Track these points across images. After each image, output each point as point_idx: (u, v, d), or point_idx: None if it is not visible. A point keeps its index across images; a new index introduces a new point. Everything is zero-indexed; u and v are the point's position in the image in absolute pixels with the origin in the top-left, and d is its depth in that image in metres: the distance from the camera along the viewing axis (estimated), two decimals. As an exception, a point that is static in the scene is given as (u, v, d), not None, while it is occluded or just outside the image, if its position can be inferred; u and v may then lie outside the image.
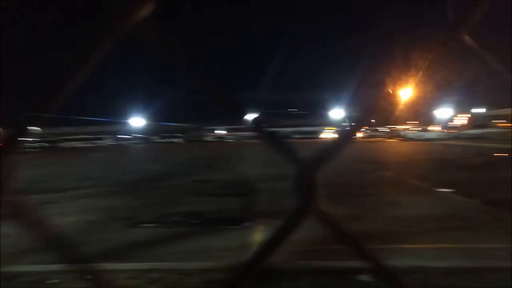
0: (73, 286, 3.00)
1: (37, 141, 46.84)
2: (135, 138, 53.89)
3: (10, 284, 3.06)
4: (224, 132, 49.48)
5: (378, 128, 43.21)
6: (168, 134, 52.81)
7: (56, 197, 7.82)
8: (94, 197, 7.36)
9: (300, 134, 44.28)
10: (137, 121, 56.13)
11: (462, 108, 41.01)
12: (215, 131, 50.09)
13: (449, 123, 38.71)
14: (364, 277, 2.92)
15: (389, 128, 42.74)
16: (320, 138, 42.38)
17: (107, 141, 49.93)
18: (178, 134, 52.29)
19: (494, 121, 34.12)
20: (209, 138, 49.44)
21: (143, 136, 54.66)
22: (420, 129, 36.59)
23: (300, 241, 4.30)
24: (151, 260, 3.51)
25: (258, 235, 4.57)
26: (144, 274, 3.14)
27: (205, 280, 3.05)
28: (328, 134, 43.14)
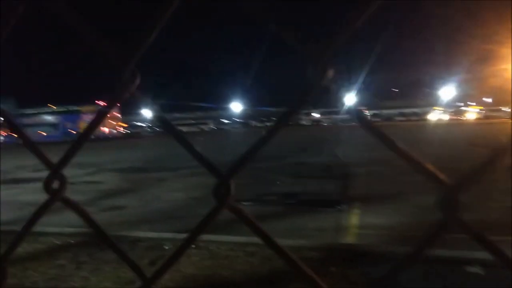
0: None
1: (150, 126, 52.40)
2: (235, 122, 56.55)
3: (132, 246, 3.58)
4: (319, 115, 48.84)
5: (501, 108, 37.84)
6: (265, 119, 54.26)
7: (168, 175, 8.77)
8: (200, 176, 8.02)
9: (403, 116, 41.34)
10: (237, 107, 58.75)
11: None
12: (311, 115, 49.73)
13: None
14: (473, 269, 2.71)
15: (512, 108, 37.22)
16: (427, 119, 38.89)
17: (210, 126, 53.40)
18: (275, 118, 53.19)
19: None
20: (305, 122, 49.39)
21: (242, 121, 57.09)
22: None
23: (405, 228, 4.11)
24: (248, 235, 3.74)
25: (353, 218, 4.51)
26: (242, 247, 3.38)
27: (299, 257, 3.15)
28: (437, 115, 39.34)
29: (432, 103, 42.82)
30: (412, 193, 5.18)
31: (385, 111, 44.42)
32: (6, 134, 34.54)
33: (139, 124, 55.28)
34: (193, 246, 3.54)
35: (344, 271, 2.82)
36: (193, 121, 55.53)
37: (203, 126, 53.05)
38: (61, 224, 3.86)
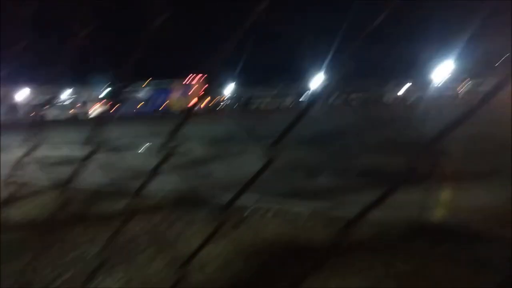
0: (261, 220, 3.54)
1: (231, 99, 54.08)
2: (314, 97, 55.49)
3: (217, 210, 3.83)
4: (405, 90, 45.62)
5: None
6: (345, 94, 52.37)
7: (251, 147, 9.07)
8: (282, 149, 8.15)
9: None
10: (316, 81, 57.48)
11: None
12: (396, 90, 46.69)
13: None
14: None
15: None
16: None
17: (292, 100, 53.31)
18: (355, 94, 51.20)
19: None
20: (388, 99, 46.59)
21: (322, 96, 55.80)
22: None
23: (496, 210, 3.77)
24: (330, 206, 3.75)
25: (441, 196, 4.23)
26: (323, 215, 3.41)
27: (380, 230, 3.08)
28: None
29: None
30: (509, 173, 4.67)
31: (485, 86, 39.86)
32: (106, 107, 38.54)
33: (223, 99, 57.43)
34: (270, 214, 3.68)
35: (430, 249, 2.70)
36: (274, 96, 55.94)
37: (284, 100, 53.19)
38: (152, 187, 4.27)
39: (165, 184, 4.36)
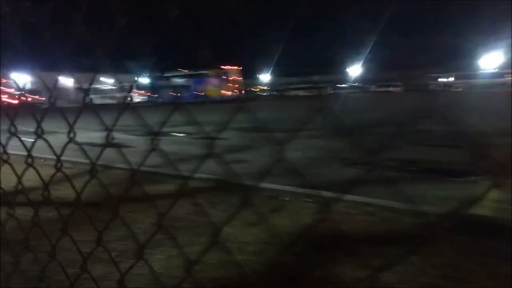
0: (297, 205, 3.59)
1: (267, 90, 54.04)
2: (352, 87, 54.41)
3: (255, 195, 3.93)
4: (451, 79, 43.35)
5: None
6: (385, 83, 50.73)
7: (285, 136, 9.09)
8: (315, 138, 8.13)
9: None
10: (355, 70, 56.16)
11: None
12: (439, 79, 44.53)
13: None
14: None
15: None
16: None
17: (327, 90, 52.43)
18: (396, 83, 49.45)
19: None
20: (434, 87, 44.53)
21: (360, 85, 54.51)
22: None
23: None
24: (368, 195, 3.73)
25: (485, 190, 4.07)
26: (361, 206, 3.41)
27: (419, 222, 3.05)
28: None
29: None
30: None
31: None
32: (148, 95, 39.89)
33: (257, 88, 57.56)
34: (310, 200, 3.72)
35: (474, 242, 2.64)
36: (309, 85, 55.20)
37: (320, 90, 52.36)
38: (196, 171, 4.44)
39: (207, 169, 4.51)
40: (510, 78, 34.78)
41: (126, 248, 2.81)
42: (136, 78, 42.35)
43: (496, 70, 37.71)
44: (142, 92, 42.37)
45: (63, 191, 4.47)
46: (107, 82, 45.06)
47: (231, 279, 2.30)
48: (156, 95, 37.85)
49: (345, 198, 3.61)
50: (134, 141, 8.45)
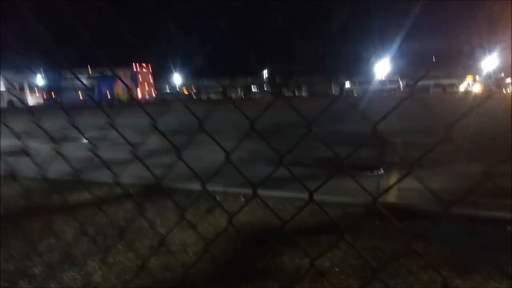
0: (231, 204, 3.69)
1: (180, 92, 52.96)
2: (263, 91, 56.20)
3: (187, 197, 3.92)
4: (349, 85, 47.77)
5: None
6: (294, 88, 53.64)
7: (206, 138, 9.12)
8: (237, 140, 8.33)
9: (440, 87, 39.84)
10: (265, 75, 58.08)
11: None
12: (343, 84, 48.69)
13: None
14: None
15: None
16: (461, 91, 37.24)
17: (239, 94, 53.43)
18: (304, 88, 52.64)
19: None
20: (335, 92, 48.53)
21: (271, 89, 56.61)
22: None
23: (442, 191, 4.24)
24: (296, 191, 3.99)
25: (392, 182, 4.66)
26: (290, 201, 3.64)
27: (344, 212, 3.38)
28: (469, 85, 37.39)
29: (471, 73, 40.65)
30: (448, 161, 5.25)
31: (420, 82, 42.99)
32: (46, 96, 36.05)
33: (169, 90, 56.16)
34: (242, 199, 3.84)
35: (388, 225, 3.03)
36: (221, 89, 55.79)
37: (232, 94, 53.24)
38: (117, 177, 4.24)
39: (128, 175, 4.34)
40: (397, 85, 39.62)
41: (50, 261, 2.59)
42: (31, 77, 38.03)
43: (383, 78, 42.74)
44: (37, 93, 38.13)
45: None
46: (-5, 81, 39.57)
47: (176, 280, 2.30)
48: (54, 97, 34.43)
49: (275, 195, 3.82)
50: (35, 149, 7.65)
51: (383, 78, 42.69)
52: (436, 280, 2.18)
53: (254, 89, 57.70)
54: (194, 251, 2.67)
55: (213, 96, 52.02)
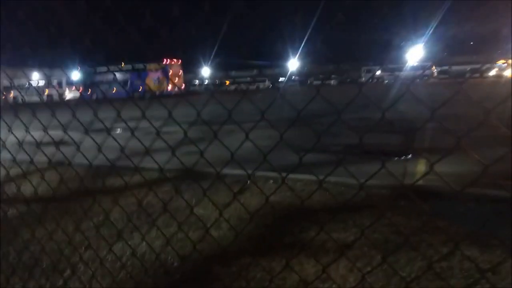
0: (261, 186, 3.90)
1: (205, 83, 53.82)
2: (292, 80, 55.97)
3: (218, 180, 4.17)
4: (378, 72, 46.62)
5: None
6: (322, 76, 53.01)
7: (234, 127, 9.38)
8: (263, 129, 8.53)
9: (476, 72, 38.17)
10: (294, 64, 57.76)
11: None
12: (372, 72, 47.64)
13: None
14: None
15: None
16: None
17: (266, 84, 53.50)
18: (333, 76, 51.95)
19: None
20: (364, 79, 47.57)
21: (300, 78, 56.37)
22: None
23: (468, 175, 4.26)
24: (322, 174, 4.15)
25: (418, 166, 4.73)
26: (316, 184, 3.82)
27: (370, 194, 3.52)
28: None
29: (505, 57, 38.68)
30: (475, 147, 5.23)
31: (455, 67, 41.34)
32: (82, 90, 37.65)
33: (199, 82, 57.11)
34: (271, 181, 4.05)
35: (412, 205, 3.15)
36: (249, 79, 56.03)
37: (260, 84, 53.35)
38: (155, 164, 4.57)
39: (165, 161, 4.64)
40: (430, 71, 38.29)
41: (102, 235, 2.90)
42: (68, 73, 39.66)
43: (417, 63, 41.41)
44: (74, 88, 39.84)
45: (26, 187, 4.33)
46: (33, 78, 41.77)
47: (212, 251, 2.55)
48: (89, 92, 35.89)
49: (301, 178, 4.00)
50: (76, 139, 8.18)
51: (416, 64, 41.46)
52: (455, 253, 2.31)
53: (281, 79, 57.43)
54: (228, 227, 2.91)
55: (242, 87, 52.31)
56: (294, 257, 2.35)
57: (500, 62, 36.43)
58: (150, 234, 2.85)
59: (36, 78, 42.33)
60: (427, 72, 38.86)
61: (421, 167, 4.66)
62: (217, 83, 56.04)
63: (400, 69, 41.01)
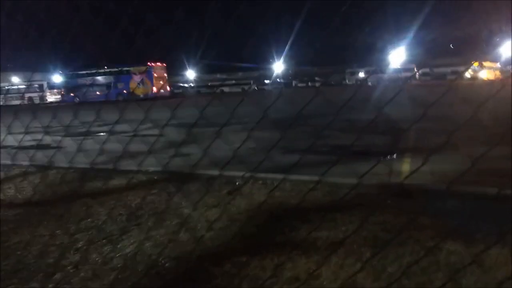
0: (249, 187, 3.92)
1: (192, 86, 53.57)
2: (276, 83, 56.25)
3: (209, 182, 4.17)
4: (361, 74, 47.31)
5: None
6: (307, 78, 53.48)
7: (222, 130, 9.37)
8: (255, 131, 8.55)
9: (456, 74, 39.10)
10: (277, 66, 58.06)
11: None
12: (357, 74, 48.29)
13: None
14: None
15: None
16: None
17: (252, 86, 53.56)
18: (317, 79, 52.42)
19: None
20: (349, 82, 48.19)
21: (283, 81, 56.65)
22: None
23: (453, 173, 4.39)
24: (308, 175, 4.19)
25: (403, 165, 4.83)
26: (304, 184, 3.86)
27: (357, 193, 3.58)
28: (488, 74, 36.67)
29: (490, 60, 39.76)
30: (459, 145, 5.38)
31: (436, 69, 42.27)
32: (63, 93, 37.00)
33: (183, 84, 56.77)
34: (260, 182, 4.08)
35: (399, 203, 3.22)
36: (234, 82, 55.99)
37: (244, 86, 53.40)
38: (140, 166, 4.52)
39: (152, 163, 4.63)
40: (411, 73, 39.05)
41: (91, 237, 2.88)
42: (49, 76, 39.09)
43: (399, 66, 42.22)
44: (56, 91, 39.16)
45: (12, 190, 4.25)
46: (14, 81, 40.89)
47: (204, 251, 2.55)
48: (72, 94, 35.30)
49: (290, 178, 4.04)
50: (60, 142, 8.05)
51: (399, 67, 42.21)
52: (442, 248, 2.38)
53: (266, 81, 57.65)
54: (219, 227, 2.91)
55: (226, 89, 52.23)
56: (286, 256, 2.38)
57: (475, 64, 37.46)
58: (139, 236, 2.84)
59: (16, 81, 41.49)
60: (409, 74, 39.64)
61: (406, 166, 4.77)
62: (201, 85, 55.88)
63: (383, 71, 41.70)
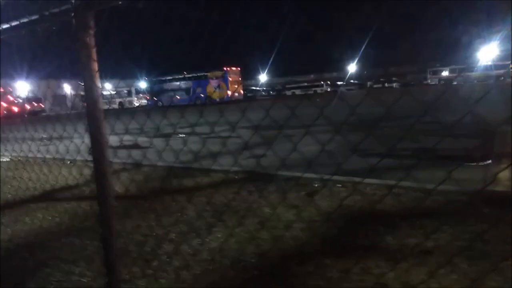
0: (328, 190, 3.88)
1: (264, 89, 54.40)
2: (351, 84, 54.77)
3: (287, 183, 4.22)
4: (445, 73, 43.75)
5: None
6: (383, 79, 51.20)
7: (295, 132, 9.38)
8: (325, 134, 8.43)
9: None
10: (351, 68, 56.56)
11: None
12: (439, 73, 44.91)
13: None
14: None
15: None
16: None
17: (323, 88, 52.75)
18: (394, 79, 49.91)
19: None
20: (431, 81, 44.99)
21: (358, 82, 54.91)
22: None
23: None
24: (392, 179, 4.02)
25: (500, 171, 4.38)
26: (388, 189, 3.71)
27: (446, 199, 3.34)
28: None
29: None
30: None
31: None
32: (148, 98, 40.17)
33: (255, 88, 58.01)
34: (339, 185, 4.01)
35: (496, 214, 2.94)
36: (306, 84, 55.65)
37: (317, 89, 52.78)
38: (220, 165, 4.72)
39: (232, 164, 4.80)
40: (506, 70, 35.21)
41: (181, 230, 3.09)
42: (136, 83, 42.87)
43: (490, 63, 38.25)
44: (141, 96, 42.70)
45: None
46: (107, 87, 45.43)
47: (286, 251, 2.59)
48: (155, 99, 38.13)
49: (371, 182, 3.91)
50: (149, 142, 8.74)
51: (489, 63, 38.33)
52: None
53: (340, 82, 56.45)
54: (300, 227, 2.94)
55: (298, 92, 52.14)
56: (372, 260, 2.31)
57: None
58: (225, 232, 2.97)
59: (108, 87, 46.11)
60: (502, 72, 35.84)
61: (502, 173, 4.32)
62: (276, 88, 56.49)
63: (470, 70, 38.33)
